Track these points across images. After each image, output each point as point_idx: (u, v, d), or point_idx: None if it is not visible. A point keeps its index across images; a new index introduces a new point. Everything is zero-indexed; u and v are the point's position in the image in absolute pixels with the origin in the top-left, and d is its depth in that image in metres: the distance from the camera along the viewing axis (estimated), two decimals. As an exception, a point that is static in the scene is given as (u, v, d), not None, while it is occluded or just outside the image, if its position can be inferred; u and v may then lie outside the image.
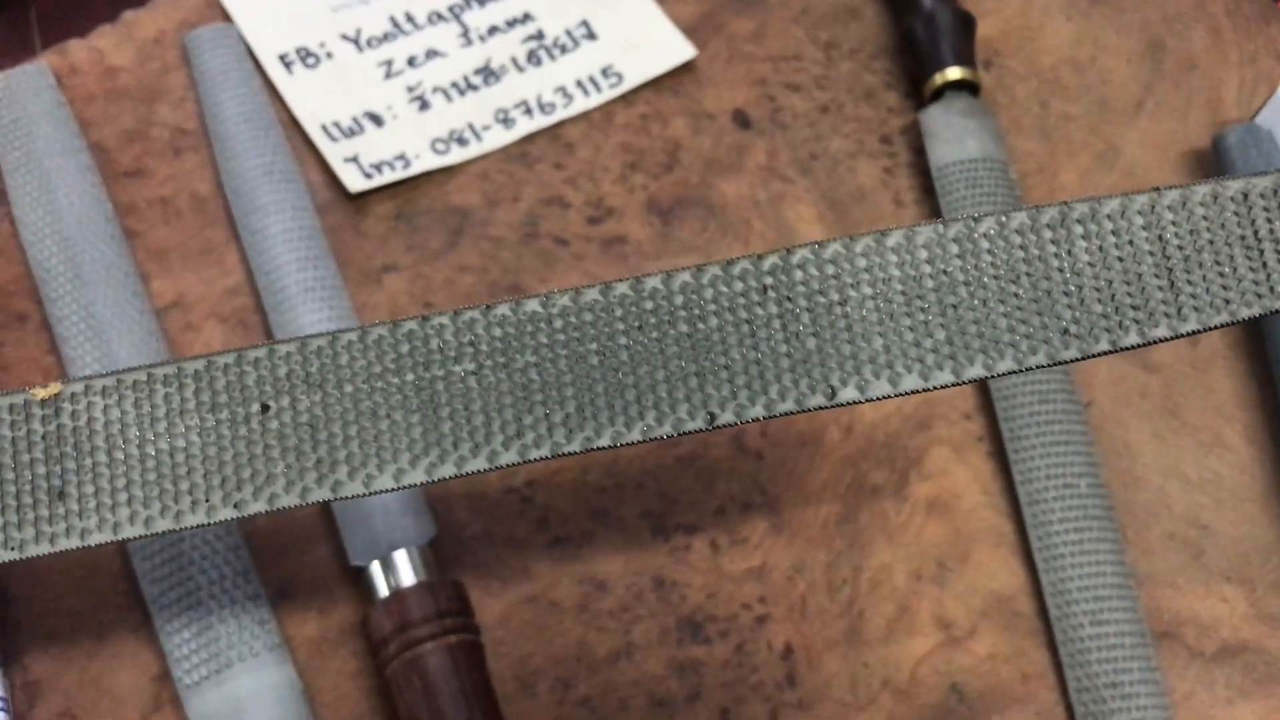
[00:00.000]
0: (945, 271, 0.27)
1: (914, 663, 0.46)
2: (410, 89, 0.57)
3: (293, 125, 0.56)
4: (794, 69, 0.59)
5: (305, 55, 0.57)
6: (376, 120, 0.56)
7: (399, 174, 0.54)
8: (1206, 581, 0.48)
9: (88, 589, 0.45)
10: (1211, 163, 0.57)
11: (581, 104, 0.57)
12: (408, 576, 0.43)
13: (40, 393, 0.27)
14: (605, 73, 0.58)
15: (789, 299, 0.27)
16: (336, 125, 0.55)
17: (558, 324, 0.28)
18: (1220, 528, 0.49)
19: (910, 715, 0.45)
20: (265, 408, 0.28)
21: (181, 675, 0.42)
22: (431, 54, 0.58)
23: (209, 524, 0.27)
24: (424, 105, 0.57)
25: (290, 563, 0.46)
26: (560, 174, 0.56)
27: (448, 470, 0.28)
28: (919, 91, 0.58)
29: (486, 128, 0.56)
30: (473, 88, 0.58)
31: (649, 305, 0.28)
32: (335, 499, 0.27)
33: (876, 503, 0.49)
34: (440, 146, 0.56)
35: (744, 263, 0.28)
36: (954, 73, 0.56)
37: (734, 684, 0.45)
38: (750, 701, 0.45)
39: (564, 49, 0.59)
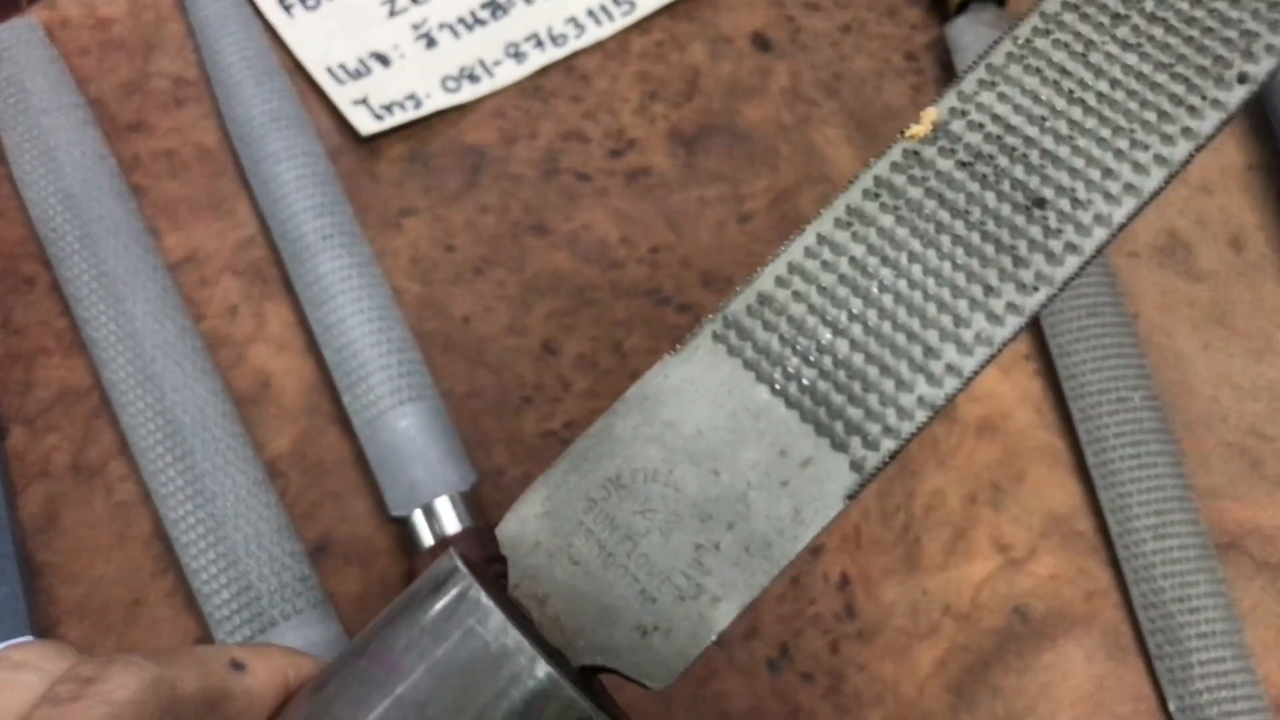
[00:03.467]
0: None
1: (974, 587, 0.45)
2: (415, 26, 0.55)
3: (297, 70, 0.54)
4: (812, -12, 0.57)
5: (305, -3, 0.55)
6: (383, 60, 0.54)
7: (410, 114, 0.52)
8: (1268, 491, 0.47)
9: (120, 555, 0.44)
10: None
11: (594, 33, 0.55)
12: (452, 524, 0.42)
13: (918, 130, 0.23)
14: (617, 0, 0.56)
15: None
16: (343, 67, 0.53)
17: None
18: (1277, 435, 0.48)
19: (974, 640, 0.44)
20: None
21: (224, 637, 0.41)
22: (436, -11, 0.56)
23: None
24: (431, 43, 0.54)
25: (325, 518, 0.45)
26: (578, 107, 0.54)
27: None
28: (943, 6, 0.56)
29: (497, 63, 0.54)
30: (480, 22, 0.55)
31: None
32: None
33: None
34: (451, 84, 0.53)
35: None
36: (979, -17, 0.54)
37: (792, 618, 0.44)
38: (809, 634, 0.44)
39: (572, -22, 0.57)
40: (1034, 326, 0.49)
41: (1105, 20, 0.22)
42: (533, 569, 0.21)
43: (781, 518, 0.21)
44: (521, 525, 0.22)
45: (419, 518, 0.42)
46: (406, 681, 0.20)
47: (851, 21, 0.57)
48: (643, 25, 0.56)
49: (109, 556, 0.44)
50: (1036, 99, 0.22)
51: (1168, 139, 0.21)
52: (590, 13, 0.56)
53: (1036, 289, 0.21)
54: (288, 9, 0.54)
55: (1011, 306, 0.21)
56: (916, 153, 0.22)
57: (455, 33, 0.55)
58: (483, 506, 0.44)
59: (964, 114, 0.22)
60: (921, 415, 0.21)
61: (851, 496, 0.21)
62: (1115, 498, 0.46)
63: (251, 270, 0.49)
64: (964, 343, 0.21)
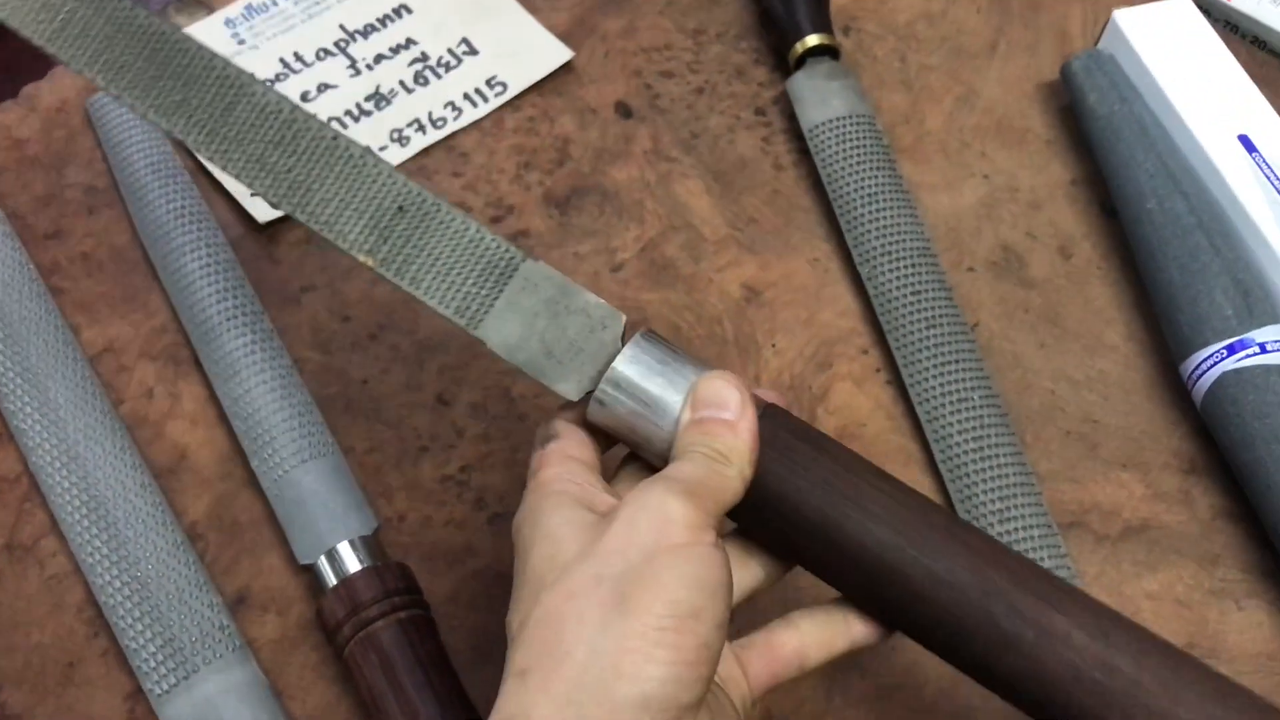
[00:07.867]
0: None
1: (841, 581, 0.49)
2: (307, 122, 0.60)
3: (198, 168, 0.58)
4: (666, 58, 0.63)
5: (203, 104, 0.60)
6: (278, 155, 0.59)
7: (305, 201, 0.57)
8: (1105, 471, 0.52)
9: (55, 622, 0.48)
10: (1063, 91, 0.61)
11: (471, 115, 0.61)
12: (353, 564, 0.46)
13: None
14: (490, 83, 0.61)
15: None
16: (240, 164, 0.58)
17: None
18: (1111, 420, 0.53)
19: (843, 629, 0.48)
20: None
21: (152, 686, 0.45)
22: (324, 87, 0.61)
23: None
24: (322, 135, 0.60)
25: (243, 572, 0.49)
26: (459, 180, 0.59)
27: None
28: (784, 63, 0.62)
29: (383, 148, 0.59)
30: (366, 114, 0.61)
31: None
32: None
33: (789, 441, 0.52)
34: (342, 171, 0.58)
35: None
36: (813, 39, 0.60)
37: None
38: (693, 638, 0.48)
39: (448, 67, 0.62)
40: (883, 342, 0.54)
41: None
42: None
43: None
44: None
45: (323, 562, 0.46)
46: None
47: (704, 84, 0.62)
48: (515, 103, 0.61)
49: (44, 625, 0.48)
50: None
51: None
52: (466, 96, 0.61)
53: None
54: (188, 116, 0.59)
55: None
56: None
57: (343, 124, 0.60)
58: (383, 548, 0.48)
59: None
60: None
61: None
62: (962, 488, 0.50)
63: (165, 354, 0.54)
64: None
